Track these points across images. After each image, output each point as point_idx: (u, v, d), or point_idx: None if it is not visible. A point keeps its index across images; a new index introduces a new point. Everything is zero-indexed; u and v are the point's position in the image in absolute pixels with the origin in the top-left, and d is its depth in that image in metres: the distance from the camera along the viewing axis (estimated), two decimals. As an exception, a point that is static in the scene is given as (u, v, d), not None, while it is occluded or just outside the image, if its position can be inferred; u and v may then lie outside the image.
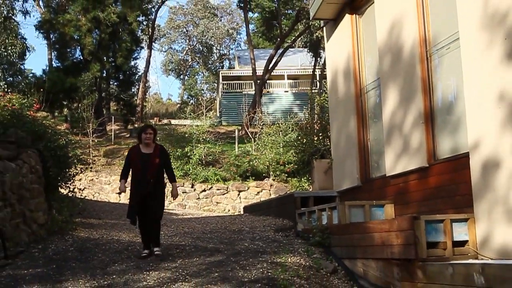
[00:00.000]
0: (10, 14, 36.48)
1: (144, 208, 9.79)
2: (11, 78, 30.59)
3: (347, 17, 12.48)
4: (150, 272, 8.75)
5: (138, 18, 32.96)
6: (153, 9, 40.46)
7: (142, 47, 38.21)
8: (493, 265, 6.47)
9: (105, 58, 31.10)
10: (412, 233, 7.47)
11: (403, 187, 9.95)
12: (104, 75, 31.75)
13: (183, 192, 24.74)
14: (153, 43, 44.57)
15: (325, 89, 23.81)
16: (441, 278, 7.16)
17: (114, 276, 8.59)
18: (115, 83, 33.79)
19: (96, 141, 29.23)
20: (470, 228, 7.78)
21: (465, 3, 8.17)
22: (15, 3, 35.95)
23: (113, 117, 34.51)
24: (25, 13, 45.27)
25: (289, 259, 9.58)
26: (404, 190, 9.91)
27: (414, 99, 9.58)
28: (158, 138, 30.26)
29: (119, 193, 13.67)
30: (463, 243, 7.78)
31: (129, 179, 10.22)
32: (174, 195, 10.37)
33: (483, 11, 7.72)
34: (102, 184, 24.69)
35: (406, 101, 9.82)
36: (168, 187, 10.89)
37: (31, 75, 33.58)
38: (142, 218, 9.91)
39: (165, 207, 10.61)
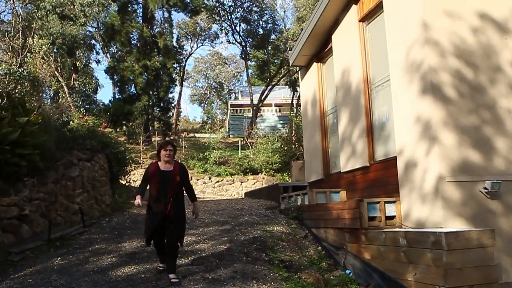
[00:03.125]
0: (88, 63, 36.58)
1: (162, 231, 6.45)
2: (87, 106, 30.56)
3: (315, 64, 12.50)
4: (181, 237, 8.74)
5: (173, 65, 32.97)
6: (183, 59, 40.48)
7: (176, 85, 38.10)
8: (411, 232, 6.48)
9: (151, 92, 31.05)
10: (358, 211, 7.48)
11: (352, 179, 9.95)
12: (150, 103, 31.67)
13: (203, 183, 24.77)
14: (183, 82, 44.52)
15: (299, 113, 23.83)
16: (377, 241, 7.17)
17: (157, 240, 8.59)
18: (158, 109, 33.68)
19: (144, 148, 29.19)
20: (397, 207, 7.79)
21: (394, 55, 8.20)
22: (90, 55, 36.06)
23: (156, 132, 34.44)
24: (98, 62, 45.56)
25: (275, 228, 9.57)
26: (352, 181, 9.91)
27: (359, 120, 9.59)
28: (186, 146, 30.59)
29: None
30: (392, 217, 7.78)
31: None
32: (196, 213, 7.08)
33: (405, 61, 7.75)
34: (149, 177, 24.64)
35: (354, 121, 9.83)
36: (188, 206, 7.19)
37: (101, 103, 33.63)
38: (159, 240, 6.60)
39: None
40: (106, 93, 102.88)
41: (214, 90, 59.47)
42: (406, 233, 6.52)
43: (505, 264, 6.73)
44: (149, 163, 27.03)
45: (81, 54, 33.95)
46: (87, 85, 35.17)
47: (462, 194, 6.79)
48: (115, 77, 31.62)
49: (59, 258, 7.53)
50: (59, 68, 24.90)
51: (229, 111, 48.70)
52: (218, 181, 25.13)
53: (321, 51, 12.11)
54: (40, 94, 12.66)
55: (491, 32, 7.50)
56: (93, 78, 38.88)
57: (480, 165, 6.99)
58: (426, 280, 5.93)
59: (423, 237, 6.08)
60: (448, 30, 7.29)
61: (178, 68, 38.04)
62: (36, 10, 23.39)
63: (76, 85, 30.04)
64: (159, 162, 6.62)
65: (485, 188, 6.86)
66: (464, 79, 7.18)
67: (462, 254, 5.61)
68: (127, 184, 14.30)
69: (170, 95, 34.87)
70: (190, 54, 45.51)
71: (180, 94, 43.66)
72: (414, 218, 7.32)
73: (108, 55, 35.02)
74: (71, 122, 11.82)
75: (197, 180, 24.87)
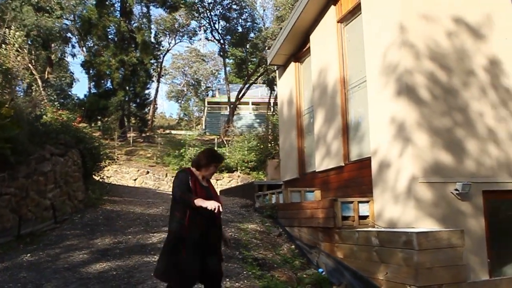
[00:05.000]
0: (63, 56, 35.99)
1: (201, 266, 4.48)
2: (62, 100, 30.09)
3: (292, 64, 12.53)
4: (154, 234, 8.68)
5: (151, 61, 32.72)
6: (161, 55, 40.16)
7: (153, 81, 37.84)
8: (384, 231, 6.56)
9: (127, 87, 30.74)
10: (332, 210, 7.54)
11: (326, 179, 10.01)
12: (127, 99, 31.33)
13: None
14: (160, 78, 44.15)
15: (276, 112, 23.90)
16: (350, 240, 7.23)
17: (130, 236, 8.51)
18: (134, 105, 33.37)
19: (119, 144, 28.86)
20: (370, 207, 7.86)
21: (370, 57, 8.28)
22: (66, 48, 35.48)
23: (131, 128, 34.12)
24: (73, 55, 44.80)
25: (250, 226, 9.58)
26: (327, 181, 9.97)
27: (335, 120, 9.65)
28: (162, 143, 30.36)
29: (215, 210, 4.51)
30: (365, 217, 7.85)
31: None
32: (228, 239, 5.03)
33: (382, 63, 7.83)
34: (123, 173, 24.34)
35: (329, 121, 9.89)
36: None
37: (76, 98, 33.16)
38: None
39: None
40: (81, 88, 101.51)
41: (191, 87, 59.12)
42: (378, 232, 6.60)
43: (473, 264, 6.87)
44: (124, 159, 26.20)
45: (57, 47, 33.36)
46: (62, 79, 34.64)
47: (434, 195, 6.89)
48: (91, 71, 31.17)
49: (29, 255, 7.39)
50: (33, 61, 24.43)
51: (206, 109, 48.52)
52: (193, 179, 25.03)
53: (299, 50, 12.15)
54: (13, 87, 12.39)
55: (465, 36, 7.64)
56: (68, 72, 38.30)
57: (452, 166, 7.11)
58: (397, 279, 6.01)
59: (395, 237, 6.15)
60: (424, 33, 7.39)
61: (155, 64, 37.75)
62: (10, 1, 22.85)
63: (51, 78, 29.52)
64: (195, 173, 4.78)
65: (456, 189, 6.99)
66: (438, 81, 7.29)
67: (432, 254, 5.69)
68: (101, 180, 14.13)
69: (147, 91, 34.63)
70: (168, 50, 45.13)
71: (157, 90, 43.28)
72: (387, 218, 7.40)
73: (84, 49, 34.47)
74: (44, 116, 11.59)
75: (172, 177, 24.71)
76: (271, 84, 36.82)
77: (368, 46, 8.35)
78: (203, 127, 43.66)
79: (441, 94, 7.28)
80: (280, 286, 6.75)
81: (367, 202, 7.88)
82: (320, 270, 7.80)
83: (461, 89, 7.42)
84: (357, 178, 8.70)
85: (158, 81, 42.49)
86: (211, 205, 4.31)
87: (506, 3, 8.12)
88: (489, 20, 7.87)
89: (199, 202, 4.33)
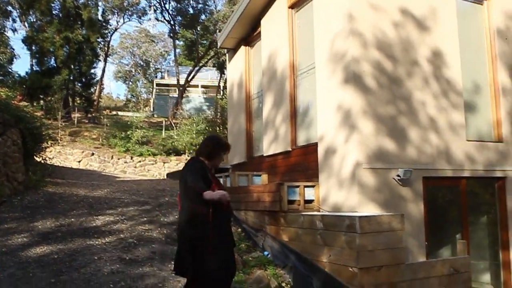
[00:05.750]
0: (2, 31, 34.28)
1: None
2: (1, 77, 28.74)
3: (242, 48, 12.48)
4: (99, 217, 8.51)
5: (97, 39, 31.72)
6: (108, 34, 39.00)
7: (100, 60, 36.70)
8: (328, 215, 6.70)
9: (72, 66, 29.71)
10: (278, 194, 7.61)
11: (274, 163, 10.10)
12: (71, 78, 30.30)
13: (124, 162, 24.16)
14: (107, 58, 42.91)
15: (226, 95, 23.82)
16: (296, 223, 7.35)
17: (73, 219, 8.29)
18: (79, 84, 32.31)
19: (63, 124, 27.94)
20: (315, 191, 8.01)
21: (319, 44, 8.37)
22: (6, 23, 33.84)
23: (76, 108, 33.08)
24: (14, 30, 42.78)
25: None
26: (274, 165, 10.07)
27: (283, 105, 9.72)
28: (108, 124, 29.64)
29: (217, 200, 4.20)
30: (311, 201, 7.99)
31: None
32: None
33: (330, 50, 7.93)
34: (66, 155, 23.64)
35: (278, 106, 9.95)
36: None
37: (17, 75, 31.71)
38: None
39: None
40: (22, 65, 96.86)
41: (139, 68, 57.85)
42: (323, 216, 6.73)
43: (412, 247, 7.17)
44: (68, 140, 25.35)
45: (-4, 21, 31.76)
46: (1, 55, 33.02)
47: (377, 181, 7.11)
48: (33, 48, 29.86)
49: (-36, 237, 7.08)
50: (-31, 35, 23.15)
51: (154, 90, 47.74)
52: (140, 161, 24.62)
53: (250, 34, 12.10)
54: None
55: (410, 27, 7.85)
56: (8, 47, 36.53)
57: (394, 153, 7.34)
58: (340, 262, 6.17)
59: (338, 221, 6.30)
60: (371, 22, 7.54)
61: (102, 43, 36.68)
62: None
63: (-11, 54, 28.10)
64: (205, 162, 4.49)
65: (397, 175, 7.23)
66: (384, 70, 7.48)
67: (374, 237, 5.88)
68: (43, 162, 13.65)
69: (93, 71, 33.64)
70: (116, 29, 43.82)
71: (103, 70, 42.34)
72: (332, 202, 7.57)
73: (26, 24, 32.93)
74: (-19, 93, 11.03)
75: (118, 159, 24.22)
76: (221, 67, 36.65)
77: (318, 33, 8.44)
78: (151, 109, 42.97)
79: (387, 83, 7.47)
80: (225, 268, 6.79)
81: (313, 186, 8.02)
82: (266, 253, 7.89)
83: (406, 78, 7.65)
84: (304, 163, 8.83)
85: (105, 61, 41.32)
86: (223, 196, 4.08)
87: (450, -3, 8.40)
88: (434, 13, 8.13)
89: (208, 194, 4.08)
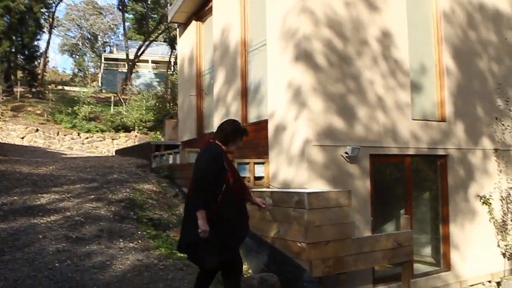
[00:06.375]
0: None
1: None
2: None
3: (193, 23, 12.28)
4: (43, 195, 8.23)
5: (41, 10, 30.31)
6: (53, 4, 37.28)
7: (44, 32, 35.05)
8: (277, 192, 6.78)
9: (14, 37, 28.34)
10: (228, 170, 7.61)
11: (224, 140, 10.06)
12: (13, 50, 28.96)
13: (71, 139, 23.47)
14: (52, 29, 41.12)
15: (176, 71, 23.45)
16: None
17: (15, 198, 7.99)
18: (22, 57, 30.87)
19: (4, 99, 26.72)
20: (265, 168, 8.07)
21: (271, 20, 8.33)
22: None
23: (19, 82, 31.68)
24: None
25: (145, 186, 9.43)
26: (225, 142, 10.02)
27: (235, 81, 9.68)
28: (53, 99, 28.59)
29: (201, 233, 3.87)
30: (261, 178, 8.06)
31: None
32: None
33: (282, 27, 7.92)
34: (9, 131, 22.68)
35: (229, 83, 9.90)
36: None
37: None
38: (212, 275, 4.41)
39: None
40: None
41: (87, 41, 55.90)
42: (272, 193, 6.80)
43: (358, 222, 7.38)
44: (10, 115, 24.42)
45: None
46: None
47: (325, 158, 7.23)
48: (-30, 16, 28.23)
49: None
50: None
51: (102, 65, 46.33)
52: (87, 138, 23.98)
53: (201, 9, 11.91)
54: None
55: (361, 7, 7.93)
56: None
57: (343, 131, 7.48)
58: (289, 237, 6.28)
59: (288, 197, 6.39)
60: (323, 1, 7.55)
61: (46, 14, 35.06)
62: None
63: None
64: (223, 147, 4.30)
65: (346, 153, 7.38)
66: (334, 49, 7.55)
67: (322, 213, 6.00)
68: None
69: (37, 43, 32.14)
70: (61, 0, 42.06)
71: (48, 42, 40.63)
72: (281, 179, 7.66)
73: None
74: None
75: (65, 135, 23.48)
76: (172, 42, 35.91)
77: (270, 10, 8.40)
78: (99, 84, 41.72)
79: (337, 61, 7.56)
80: (175, 245, 6.77)
81: (263, 163, 8.08)
82: (215, 229, 7.93)
83: (355, 57, 7.76)
84: (254, 140, 8.86)
85: (50, 33, 39.51)
86: (201, 232, 3.82)
87: (400, -23, 8.53)
88: (384, -7, 8.25)
89: (199, 218, 3.83)
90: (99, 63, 51.60)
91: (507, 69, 9.93)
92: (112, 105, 28.33)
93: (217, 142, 4.26)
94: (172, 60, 39.08)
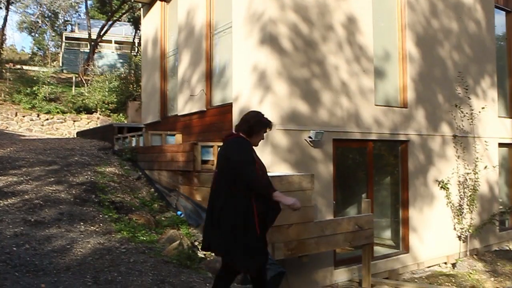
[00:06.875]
0: None
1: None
2: None
3: (158, 3, 12.06)
4: (0, 177, 8.02)
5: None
6: (11, -21, 36.00)
7: (1, 8, 33.91)
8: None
9: (-32, 13, 27.20)
10: (192, 154, 7.59)
11: (188, 123, 10.02)
12: (-33, 26, 27.83)
13: (30, 120, 22.81)
14: (10, 6, 39.65)
15: (140, 53, 23.03)
16: (209, 183, 7.37)
17: (-30, 179, 7.76)
18: (-23, 34, 29.78)
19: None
20: (229, 152, 8.05)
21: (237, 3, 8.27)
22: None
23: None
24: None
25: (107, 169, 9.30)
26: (189, 125, 9.99)
27: (200, 64, 9.59)
28: (11, 79, 27.64)
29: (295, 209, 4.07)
30: (224, 161, 8.04)
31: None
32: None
33: (247, 10, 7.87)
34: (-37, 110, 21.92)
35: (194, 65, 9.80)
36: None
37: None
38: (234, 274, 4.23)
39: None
40: None
41: (47, 19, 54.07)
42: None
43: (321, 205, 7.49)
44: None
45: None
46: None
47: (289, 142, 7.28)
48: None
49: None
50: None
51: (63, 44, 45.03)
52: (47, 119, 23.35)
53: (165, -11, 11.72)
54: None
55: (327, -9, 7.95)
56: None
57: (307, 115, 7.53)
58: (251, 220, 6.33)
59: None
60: (289, -17, 7.53)
61: (3, -11, 33.78)
62: None
63: None
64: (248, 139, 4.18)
65: (309, 137, 7.45)
66: (300, 33, 7.56)
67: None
68: None
69: (-7, 19, 30.97)
70: (19, -26, 40.51)
71: (5, 19, 38.74)
72: (245, 162, 7.66)
73: None
74: None
75: (23, 117, 22.79)
76: (136, 23, 35.19)
77: (236, -8, 8.32)
78: (60, 64, 40.60)
79: (302, 46, 7.58)
80: (137, 228, 6.74)
81: (227, 147, 8.05)
82: (179, 212, 7.91)
83: (320, 42, 7.79)
84: (219, 123, 8.84)
85: (7, 9, 38.08)
86: (294, 204, 3.76)
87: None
88: (349, -22, 8.29)
89: (279, 197, 3.74)
90: (60, 42, 50.12)
91: (467, 58, 10.19)
92: (73, 86, 27.63)
93: (241, 134, 4.14)
94: (136, 41, 38.34)
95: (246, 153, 3.90)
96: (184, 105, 10.16)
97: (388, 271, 8.42)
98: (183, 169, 7.94)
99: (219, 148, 4.25)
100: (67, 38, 45.55)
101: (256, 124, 4.16)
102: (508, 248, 10.70)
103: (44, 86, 24.63)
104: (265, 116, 4.28)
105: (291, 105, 7.37)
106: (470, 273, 8.80)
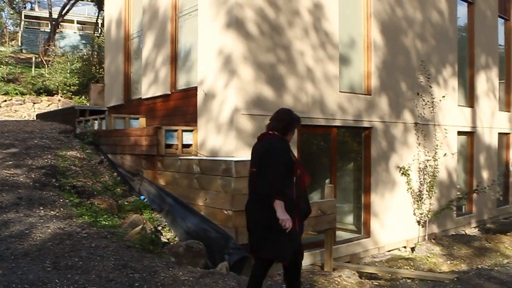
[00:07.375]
0: None
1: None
2: None
3: (122, -17, 11.80)
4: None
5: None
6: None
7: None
8: (205, 159, 6.80)
9: None
10: (156, 138, 7.54)
11: (152, 107, 9.89)
12: None
13: (-13, 101, 22.12)
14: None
15: (103, 34, 22.50)
16: (173, 167, 7.36)
17: None
18: None
19: None
20: (194, 136, 8.03)
21: (202, -15, 8.17)
22: None
23: None
24: None
25: (68, 153, 9.11)
26: (153, 109, 9.86)
27: (164, 46, 9.45)
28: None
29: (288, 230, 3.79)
30: (189, 145, 8.02)
31: None
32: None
33: (213, -8, 7.79)
34: None
35: (159, 47, 9.66)
36: None
37: None
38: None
39: None
40: None
41: (4, -4, 52.16)
42: (200, 161, 6.82)
43: (284, 191, 7.55)
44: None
45: None
46: None
47: (254, 126, 7.29)
48: None
49: None
50: None
51: (22, 23, 43.54)
52: (5, 101, 22.64)
53: (129, -31, 11.45)
54: None
55: (294, -24, 7.94)
56: None
57: (272, 100, 7.55)
58: (215, 205, 6.35)
59: (215, 165, 6.43)
60: (256, -33, 7.48)
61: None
62: None
63: None
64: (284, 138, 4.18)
65: (274, 122, 7.47)
66: (266, 18, 7.54)
67: (249, 182, 6.10)
68: None
69: None
70: (-25, -52, 38.82)
71: (-40, -6, 37.32)
72: (209, 147, 7.66)
73: None
74: None
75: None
76: (99, 3, 34.31)
77: (202, -26, 8.21)
78: (19, 44, 39.31)
79: (268, 30, 7.56)
80: (99, 213, 6.65)
81: (191, 131, 8.03)
82: (142, 197, 7.86)
83: (287, 27, 7.79)
84: (183, 107, 8.77)
85: (-38, -16, 36.65)
86: (284, 222, 3.70)
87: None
88: (316, -37, 8.29)
89: (277, 207, 3.72)
90: (18, 21, 48.47)
91: (430, 47, 10.39)
92: (33, 66, 26.82)
93: (276, 133, 4.13)
94: (100, 21, 37.47)
95: (282, 166, 3.84)
96: (148, 88, 10.01)
97: (349, 255, 8.60)
98: (147, 153, 7.87)
99: (252, 148, 4.28)
100: (26, 16, 44.02)
101: (290, 122, 4.21)
102: (464, 233, 11.09)
103: (2, 66, 23.85)
104: (294, 112, 4.34)
105: (256, 90, 7.37)
106: (428, 256, 9.08)
